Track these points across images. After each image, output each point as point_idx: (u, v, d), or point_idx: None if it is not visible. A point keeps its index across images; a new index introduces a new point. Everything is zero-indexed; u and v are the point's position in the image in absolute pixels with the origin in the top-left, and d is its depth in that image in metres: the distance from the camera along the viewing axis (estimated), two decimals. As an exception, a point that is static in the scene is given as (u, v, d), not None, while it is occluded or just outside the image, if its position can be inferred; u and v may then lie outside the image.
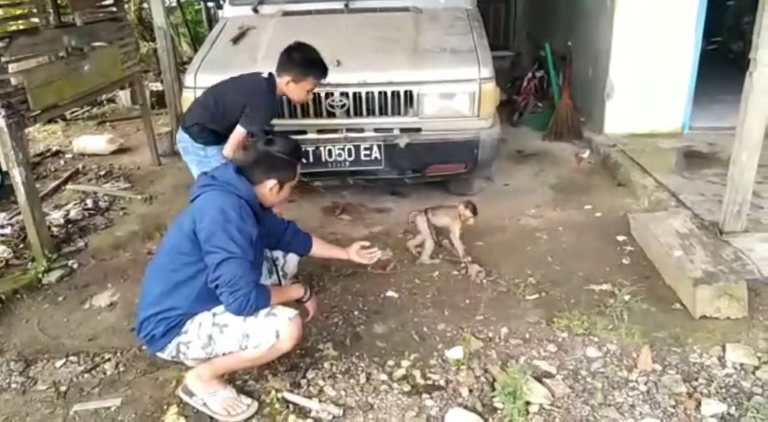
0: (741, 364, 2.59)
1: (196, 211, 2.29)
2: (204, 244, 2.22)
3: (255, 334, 2.27)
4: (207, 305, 2.31)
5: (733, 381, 2.51)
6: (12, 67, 3.72)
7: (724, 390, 2.46)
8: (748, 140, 3.26)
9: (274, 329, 2.27)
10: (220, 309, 2.31)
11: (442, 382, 2.57)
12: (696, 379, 2.53)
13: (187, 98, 3.92)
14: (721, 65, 7.07)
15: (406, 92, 3.85)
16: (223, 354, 2.34)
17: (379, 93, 3.85)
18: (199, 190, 2.36)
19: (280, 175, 2.42)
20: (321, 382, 2.58)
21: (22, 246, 3.99)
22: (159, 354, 2.39)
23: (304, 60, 3.18)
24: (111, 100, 8.41)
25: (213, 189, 2.32)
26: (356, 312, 3.13)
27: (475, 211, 3.52)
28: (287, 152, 2.43)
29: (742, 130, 3.26)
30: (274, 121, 3.50)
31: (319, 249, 2.88)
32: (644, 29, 5.24)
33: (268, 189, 2.40)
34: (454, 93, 3.89)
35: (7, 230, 4.25)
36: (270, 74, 3.28)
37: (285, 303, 2.42)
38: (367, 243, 2.94)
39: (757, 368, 2.56)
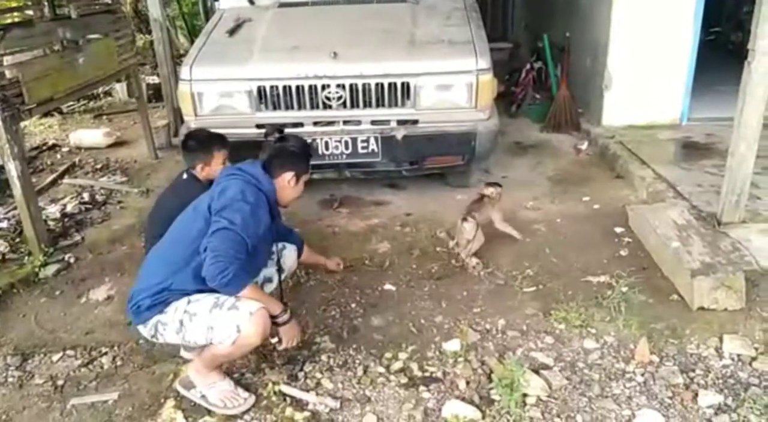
0: (738, 355, 2.59)
1: (215, 190, 2.39)
2: (213, 216, 2.30)
3: (218, 328, 2.24)
4: (191, 292, 2.31)
5: (730, 372, 2.51)
6: (6, 60, 3.70)
7: (721, 382, 2.46)
8: (746, 131, 3.24)
9: (234, 324, 2.23)
10: (195, 296, 2.31)
11: (439, 374, 2.57)
12: (693, 370, 2.53)
13: (183, 91, 3.91)
14: (719, 56, 7.03)
15: (403, 84, 3.83)
16: (195, 344, 2.37)
17: (376, 85, 3.82)
18: (224, 178, 2.46)
19: (295, 168, 2.54)
20: (318, 375, 2.58)
21: (18, 240, 3.98)
22: (140, 328, 2.37)
23: (201, 143, 3.04)
24: (107, 93, 8.38)
25: (237, 178, 2.42)
26: (353, 305, 3.13)
27: (497, 185, 3.63)
28: (299, 147, 2.60)
29: (741, 121, 3.25)
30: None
31: (308, 255, 3.02)
32: (642, 20, 5.22)
33: (287, 181, 2.52)
34: (452, 84, 3.87)
35: (4, 224, 4.23)
36: (187, 171, 3.09)
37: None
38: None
39: (754, 359, 2.57)
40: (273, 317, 2.37)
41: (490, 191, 3.58)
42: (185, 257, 2.31)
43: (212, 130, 3.18)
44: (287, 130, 3.74)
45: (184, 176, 3.09)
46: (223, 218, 2.26)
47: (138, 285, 2.37)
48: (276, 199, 2.53)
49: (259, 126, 3.87)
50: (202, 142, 3.04)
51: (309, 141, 3.79)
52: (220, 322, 2.25)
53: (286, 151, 2.57)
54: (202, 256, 2.24)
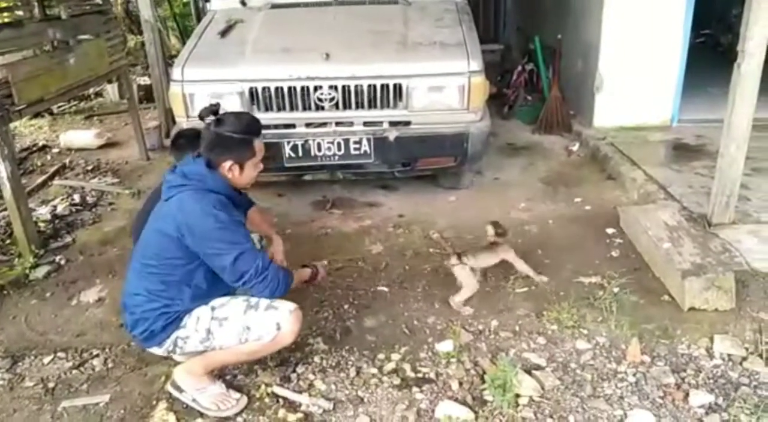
0: (729, 355, 2.61)
1: (177, 218, 2.21)
2: (202, 249, 2.19)
3: (256, 327, 2.26)
4: (205, 301, 2.31)
5: (720, 372, 2.53)
6: (-4, 61, 3.68)
7: (711, 381, 2.47)
8: (736, 132, 3.27)
9: (275, 321, 2.26)
10: (218, 302, 2.30)
11: (432, 375, 2.57)
12: (684, 370, 2.54)
13: (175, 92, 3.90)
14: (709, 58, 7.10)
15: (395, 85, 3.83)
16: (220, 348, 2.32)
17: (369, 86, 3.82)
18: (173, 190, 2.27)
19: (235, 156, 2.30)
20: (311, 376, 2.57)
21: (8, 242, 3.95)
22: (155, 349, 2.36)
23: (191, 141, 2.91)
24: (98, 94, 8.34)
25: (187, 189, 2.25)
26: (346, 307, 3.12)
27: (498, 227, 3.29)
28: (239, 130, 2.30)
29: (730, 123, 3.27)
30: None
31: (257, 220, 2.80)
32: (633, 22, 5.25)
33: (227, 170, 2.31)
34: (444, 86, 3.88)
35: (-7, 226, 4.20)
36: (174, 168, 3.08)
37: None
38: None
39: (744, 359, 2.58)
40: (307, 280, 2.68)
41: (490, 233, 3.26)
42: (174, 288, 2.26)
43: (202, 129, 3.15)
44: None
45: None
46: (222, 250, 2.17)
47: (138, 310, 2.29)
48: (234, 188, 2.37)
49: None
50: (192, 141, 3.00)
51: (302, 142, 3.85)
52: (258, 322, 2.26)
53: (221, 137, 2.27)
54: (245, 287, 2.23)
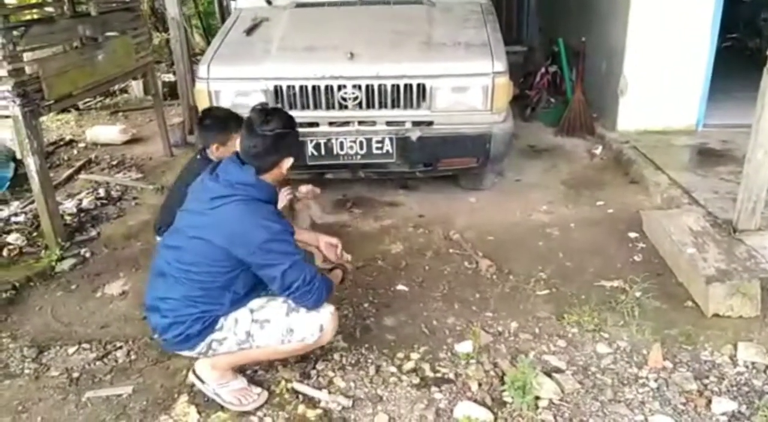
0: (753, 363, 2.58)
1: (227, 229, 2.16)
2: (254, 260, 2.18)
3: (300, 329, 2.28)
4: (242, 305, 2.31)
5: (744, 379, 2.50)
6: (27, 56, 3.74)
7: (735, 389, 2.44)
8: (764, 138, 3.21)
9: (318, 323, 2.30)
10: (256, 304, 2.31)
11: (451, 375, 2.57)
12: (707, 377, 2.51)
13: (200, 89, 3.94)
14: (736, 62, 6.99)
15: (418, 85, 3.83)
16: (257, 348, 2.33)
17: (392, 86, 3.83)
18: (219, 200, 2.19)
19: (294, 150, 2.33)
20: (331, 373, 2.59)
21: (35, 234, 4.02)
22: (186, 352, 2.35)
23: (218, 122, 2.97)
24: (124, 91, 8.44)
25: (235, 199, 2.17)
26: (366, 305, 3.14)
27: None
28: (288, 124, 2.28)
29: (758, 128, 3.22)
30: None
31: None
32: (659, 25, 5.19)
33: (286, 168, 2.31)
34: (467, 86, 3.87)
35: (21, 218, 4.28)
36: (200, 152, 3.08)
37: None
38: (335, 241, 2.75)
39: (768, 367, 2.55)
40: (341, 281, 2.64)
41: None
42: (215, 294, 2.24)
43: (231, 110, 3.09)
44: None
45: (198, 157, 3.09)
46: (275, 262, 2.17)
47: (166, 316, 2.25)
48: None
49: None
50: (218, 121, 2.95)
51: (325, 141, 3.89)
52: (302, 324, 2.28)
53: (280, 136, 2.22)
54: (290, 296, 2.24)
